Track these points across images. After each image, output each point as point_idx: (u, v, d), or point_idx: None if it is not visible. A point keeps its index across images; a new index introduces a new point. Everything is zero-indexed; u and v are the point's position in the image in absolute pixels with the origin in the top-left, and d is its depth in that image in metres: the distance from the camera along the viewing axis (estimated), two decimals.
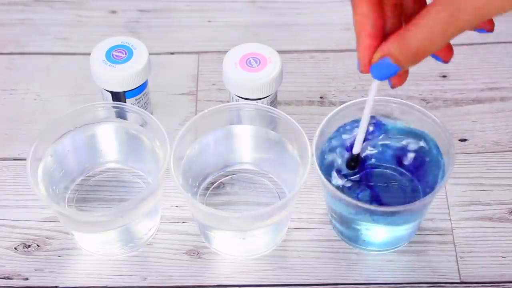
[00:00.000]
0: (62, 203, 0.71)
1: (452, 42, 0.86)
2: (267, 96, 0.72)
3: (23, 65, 0.84)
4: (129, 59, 0.73)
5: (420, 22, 0.51)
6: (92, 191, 0.73)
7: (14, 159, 0.77)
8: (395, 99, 0.69)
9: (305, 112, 0.79)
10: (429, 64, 0.82)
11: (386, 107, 0.69)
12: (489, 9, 0.50)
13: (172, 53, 0.85)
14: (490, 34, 0.85)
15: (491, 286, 0.68)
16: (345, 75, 0.82)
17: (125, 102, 0.74)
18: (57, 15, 0.88)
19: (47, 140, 0.69)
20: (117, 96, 0.74)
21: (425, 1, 0.56)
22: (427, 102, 0.80)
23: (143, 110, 0.69)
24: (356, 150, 0.64)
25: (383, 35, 0.55)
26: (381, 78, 0.55)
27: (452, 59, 0.84)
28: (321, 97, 0.81)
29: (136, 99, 0.74)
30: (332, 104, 0.80)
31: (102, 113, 0.71)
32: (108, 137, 0.73)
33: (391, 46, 0.53)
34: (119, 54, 0.73)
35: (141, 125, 0.70)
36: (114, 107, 0.71)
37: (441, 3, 0.51)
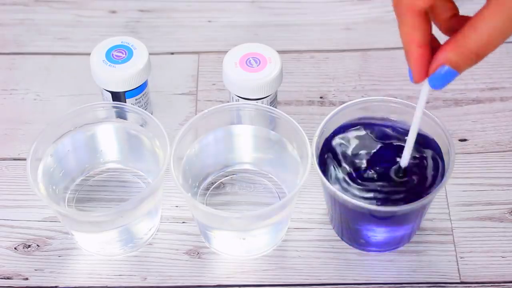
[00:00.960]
0: (62, 203, 0.71)
1: None
2: (267, 96, 0.72)
3: (23, 65, 0.84)
4: (129, 59, 0.73)
5: (477, 26, 0.52)
6: (92, 191, 0.73)
7: (14, 159, 0.77)
8: (395, 99, 0.69)
9: (305, 112, 0.80)
10: None
11: (386, 107, 0.69)
12: None
13: (172, 53, 0.85)
14: None
15: (491, 286, 0.68)
16: (345, 75, 0.82)
17: (125, 102, 0.74)
18: (57, 15, 0.88)
19: (47, 140, 0.69)
20: (117, 96, 0.74)
21: (456, 10, 0.57)
22: (427, 102, 0.80)
23: (143, 110, 0.69)
24: (404, 163, 0.64)
25: (432, 40, 0.56)
26: (440, 86, 0.56)
27: None
28: (321, 97, 0.81)
29: (136, 99, 0.74)
30: (332, 104, 0.80)
31: (102, 113, 0.71)
32: (108, 137, 0.73)
33: (449, 53, 0.53)
34: (119, 54, 0.73)
35: (141, 125, 0.70)
36: (114, 107, 0.71)
37: (494, 3, 0.52)
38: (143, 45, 0.74)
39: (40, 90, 0.82)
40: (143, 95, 0.75)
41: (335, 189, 0.64)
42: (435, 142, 0.68)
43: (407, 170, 0.65)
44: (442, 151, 0.67)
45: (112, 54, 0.73)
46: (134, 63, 0.73)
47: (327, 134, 0.68)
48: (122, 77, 0.72)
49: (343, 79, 0.82)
